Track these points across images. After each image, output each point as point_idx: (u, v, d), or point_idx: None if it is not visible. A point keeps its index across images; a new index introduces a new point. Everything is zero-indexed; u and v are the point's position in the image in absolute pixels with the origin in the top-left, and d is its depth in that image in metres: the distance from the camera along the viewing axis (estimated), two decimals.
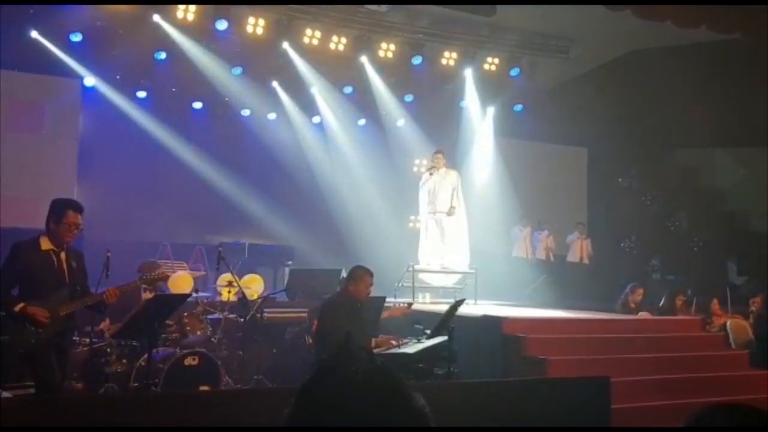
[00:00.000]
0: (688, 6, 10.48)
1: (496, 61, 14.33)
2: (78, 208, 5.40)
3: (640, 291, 10.64)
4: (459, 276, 11.20)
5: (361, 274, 6.77)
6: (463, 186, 11.64)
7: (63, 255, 5.32)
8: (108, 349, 6.82)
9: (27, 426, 4.13)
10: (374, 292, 7.54)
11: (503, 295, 11.54)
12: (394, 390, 1.26)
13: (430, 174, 11.17)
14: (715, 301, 10.77)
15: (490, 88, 14.68)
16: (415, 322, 7.43)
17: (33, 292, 5.18)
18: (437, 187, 11.12)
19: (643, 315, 10.15)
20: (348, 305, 6.64)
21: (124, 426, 4.39)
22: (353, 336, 6.15)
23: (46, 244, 5.28)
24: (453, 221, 11.21)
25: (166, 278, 6.49)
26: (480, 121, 15.19)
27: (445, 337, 6.69)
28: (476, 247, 11.83)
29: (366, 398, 1.23)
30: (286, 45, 12.91)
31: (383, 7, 12.68)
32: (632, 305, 10.45)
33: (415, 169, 15.12)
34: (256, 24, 12.39)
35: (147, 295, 7.16)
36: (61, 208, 5.32)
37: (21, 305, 5.09)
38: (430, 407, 1.28)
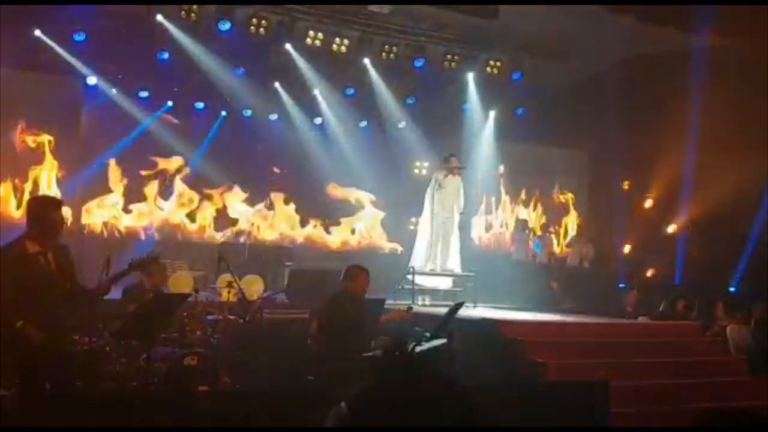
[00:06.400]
0: (689, 9, 10.49)
1: (498, 64, 14.32)
2: (58, 204, 5.30)
3: (634, 294, 10.71)
4: (456, 279, 11.18)
5: (356, 272, 6.98)
6: (463, 188, 11.64)
7: (50, 255, 5.03)
8: (107, 348, 6.82)
9: (27, 425, 4.13)
10: (374, 294, 7.56)
11: (503, 298, 11.53)
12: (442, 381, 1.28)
13: (453, 175, 11.13)
14: (720, 304, 10.75)
15: (492, 91, 14.68)
16: (415, 324, 7.44)
17: (28, 300, 4.88)
18: (451, 189, 11.13)
19: (643, 320, 10.15)
20: (351, 300, 6.83)
21: (123, 425, 4.39)
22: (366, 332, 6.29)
23: (33, 246, 4.98)
24: (454, 224, 11.22)
25: (155, 260, 6.37)
26: (481, 123, 15.19)
27: (444, 340, 6.71)
28: (476, 250, 11.81)
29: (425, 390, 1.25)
30: (288, 46, 12.92)
31: (385, 8, 12.66)
32: (627, 308, 10.49)
33: (416, 171, 15.12)
34: (258, 25, 12.40)
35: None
36: (42, 209, 5.12)
37: (20, 323, 4.78)
38: None
